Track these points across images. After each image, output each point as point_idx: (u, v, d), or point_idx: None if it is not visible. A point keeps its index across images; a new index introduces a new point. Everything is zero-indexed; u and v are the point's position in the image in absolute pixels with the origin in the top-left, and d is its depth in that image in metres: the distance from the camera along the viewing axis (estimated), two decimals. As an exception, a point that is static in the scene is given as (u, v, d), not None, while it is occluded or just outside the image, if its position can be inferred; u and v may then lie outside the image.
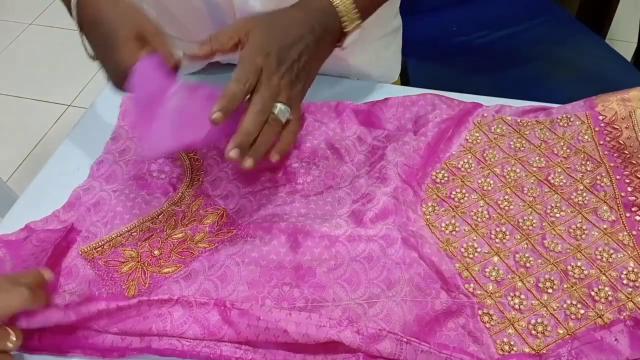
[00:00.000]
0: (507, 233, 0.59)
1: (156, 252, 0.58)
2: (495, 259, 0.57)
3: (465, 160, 0.66)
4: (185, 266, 0.57)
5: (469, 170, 0.65)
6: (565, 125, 0.67)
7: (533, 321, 0.52)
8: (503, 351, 0.51)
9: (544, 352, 0.50)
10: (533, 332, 0.52)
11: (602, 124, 0.66)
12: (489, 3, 1.24)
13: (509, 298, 0.54)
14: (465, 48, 1.15)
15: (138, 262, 0.58)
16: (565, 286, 0.54)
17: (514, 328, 0.52)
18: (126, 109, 0.73)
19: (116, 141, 0.70)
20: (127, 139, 0.70)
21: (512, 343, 0.51)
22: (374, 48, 0.81)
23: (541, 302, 0.53)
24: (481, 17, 1.21)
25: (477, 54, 1.14)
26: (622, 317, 0.51)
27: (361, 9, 0.59)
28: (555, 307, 0.53)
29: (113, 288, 0.56)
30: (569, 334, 0.51)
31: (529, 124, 0.68)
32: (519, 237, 0.58)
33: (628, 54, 1.26)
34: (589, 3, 1.34)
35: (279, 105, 0.54)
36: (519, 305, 0.53)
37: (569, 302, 0.53)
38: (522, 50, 1.14)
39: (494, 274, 0.56)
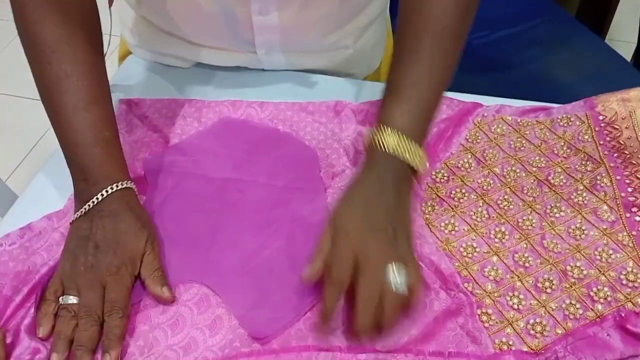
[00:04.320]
0: (507, 233, 0.59)
1: None
2: (495, 258, 0.57)
3: (465, 160, 0.66)
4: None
5: (468, 169, 0.65)
6: (566, 125, 0.67)
7: (532, 321, 0.52)
8: (501, 350, 0.51)
9: (542, 351, 0.50)
10: (532, 332, 0.51)
11: (603, 124, 0.66)
12: (488, 3, 1.23)
13: (508, 298, 0.54)
14: (465, 48, 1.15)
15: None
16: (564, 286, 0.54)
17: (513, 328, 0.52)
18: (122, 111, 0.73)
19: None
20: (124, 142, 0.69)
21: (510, 343, 0.51)
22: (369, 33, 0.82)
23: (540, 302, 0.53)
24: (481, 18, 1.20)
25: (477, 54, 1.14)
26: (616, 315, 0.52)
27: (421, 144, 0.55)
28: (554, 307, 0.53)
29: None
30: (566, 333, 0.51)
31: (529, 123, 0.68)
32: (518, 237, 0.58)
33: (628, 54, 1.26)
34: (588, 3, 1.34)
35: (392, 268, 0.48)
36: (517, 305, 0.53)
37: (567, 302, 0.53)
38: (522, 51, 1.14)
39: (492, 273, 0.56)
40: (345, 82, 0.78)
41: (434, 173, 0.65)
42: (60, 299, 0.52)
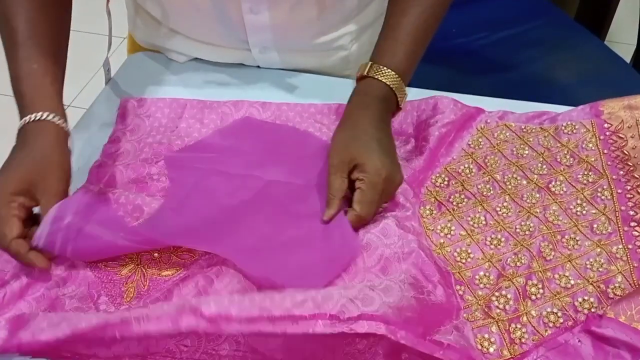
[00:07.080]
0: (502, 240, 0.59)
1: (156, 255, 0.58)
2: (487, 265, 0.57)
3: (466, 165, 0.65)
4: (184, 269, 0.57)
5: (469, 175, 0.65)
6: (570, 133, 0.67)
7: (513, 325, 0.52)
8: (482, 347, 0.51)
9: (518, 356, 0.50)
10: (512, 335, 0.52)
11: (608, 133, 0.66)
12: (488, 5, 1.24)
13: (494, 298, 0.54)
14: (465, 50, 1.15)
15: (138, 264, 0.58)
16: (549, 294, 0.54)
17: (498, 326, 0.52)
18: (124, 111, 0.73)
19: (114, 144, 0.69)
20: (126, 141, 0.69)
21: (492, 340, 0.51)
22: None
23: (524, 308, 0.53)
24: (481, 19, 1.21)
25: (476, 56, 1.14)
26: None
27: (406, 82, 0.65)
28: (534, 315, 0.53)
29: (112, 290, 0.56)
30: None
31: (533, 130, 0.68)
32: (513, 244, 0.58)
33: (627, 55, 1.26)
34: (588, 5, 1.34)
35: None
36: (504, 306, 0.53)
37: (549, 310, 0.53)
38: (522, 52, 1.14)
39: (484, 280, 0.56)
40: (348, 83, 0.78)
41: (433, 177, 0.65)
42: None
